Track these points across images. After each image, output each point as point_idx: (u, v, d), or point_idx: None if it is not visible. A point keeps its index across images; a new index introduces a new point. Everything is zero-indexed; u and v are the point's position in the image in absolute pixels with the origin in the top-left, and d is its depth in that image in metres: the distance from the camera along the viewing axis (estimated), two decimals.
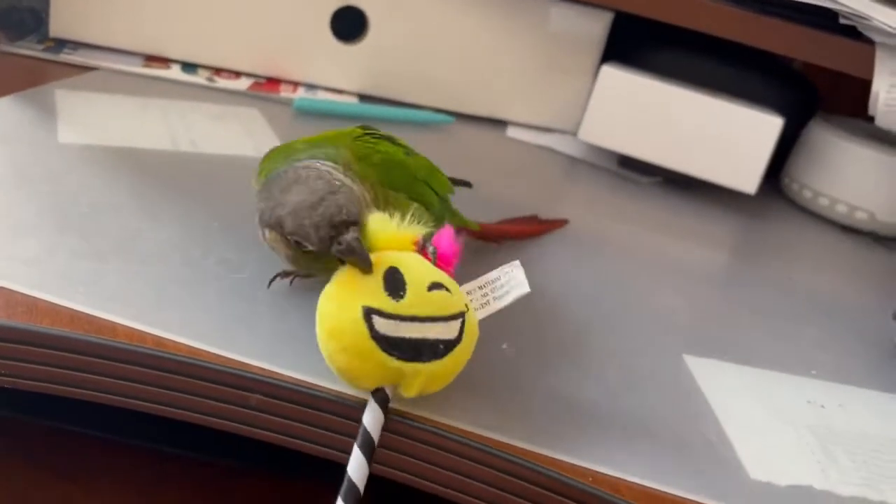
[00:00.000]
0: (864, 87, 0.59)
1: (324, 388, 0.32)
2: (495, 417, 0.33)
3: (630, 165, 0.67)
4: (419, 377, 0.29)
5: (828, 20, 0.60)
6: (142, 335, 0.33)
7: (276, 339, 0.34)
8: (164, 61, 0.65)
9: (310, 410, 0.31)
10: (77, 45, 0.63)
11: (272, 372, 0.32)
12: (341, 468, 0.29)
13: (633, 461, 0.33)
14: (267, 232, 0.34)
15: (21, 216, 0.39)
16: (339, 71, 0.67)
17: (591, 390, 0.37)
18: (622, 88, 0.64)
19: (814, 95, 0.74)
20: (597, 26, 0.68)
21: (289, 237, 0.32)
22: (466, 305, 0.31)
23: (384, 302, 0.29)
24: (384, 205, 0.35)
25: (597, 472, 0.32)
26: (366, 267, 0.30)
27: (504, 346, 0.38)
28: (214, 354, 0.32)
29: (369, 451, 0.29)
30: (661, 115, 0.64)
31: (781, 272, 0.57)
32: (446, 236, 0.33)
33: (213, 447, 0.42)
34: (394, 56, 0.67)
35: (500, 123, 0.70)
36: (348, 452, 0.29)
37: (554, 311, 0.42)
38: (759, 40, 0.62)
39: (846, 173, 0.66)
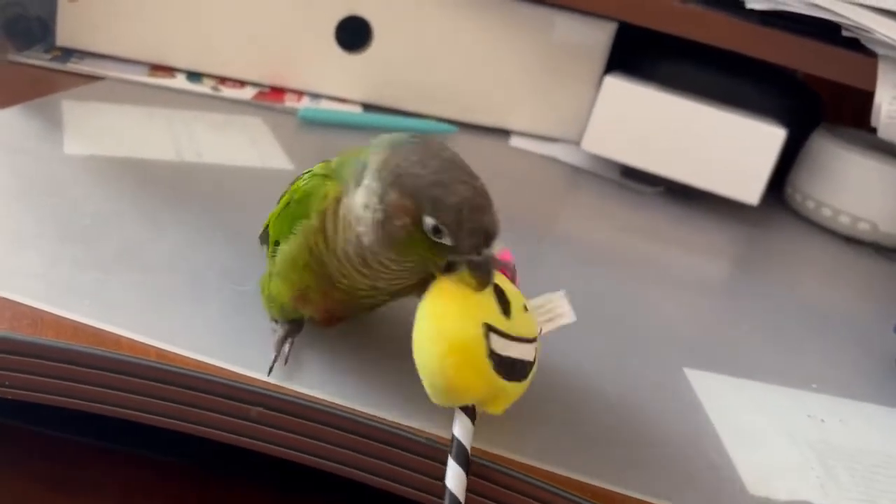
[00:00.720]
0: (867, 98, 0.59)
1: (324, 401, 0.32)
2: (493, 432, 0.33)
3: (633, 175, 0.67)
4: (511, 397, 0.30)
5: (830, 32, 0.60)
6: (145, 347, 0.33)
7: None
8: (170, 70, 0.65)
9: (310, 423, 0.32)
10: (84, 55, 0.64)
11: (273, 385, 0.32)
12: (345, 482, 0.29)
13: (633, 475, 0.33)
14: (394, 195, 0.29)
15: (26, 227, 0.39)
16: (343, 80, 0.67)
17: (591, 403, 0.37)
18: (625, 99, 0.65)
19: (817, 106, 0.74)
20: (600, 36, 0.68)
21: (439, 225, 0.28)
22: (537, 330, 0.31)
23: (500, 320, 0.29)
24: None
25: (595, 486, 0.32)
26: (488, 285, 0.29)
27: None
28: (216, 367, 0.33)
29: (465, 461, 0.29)
30: (664, 125, 0.64)
31: (783, 283, 0.57)
32: (509, 255, 0.33)
33: (214, 458, 0.42)
34: (398, 65, 0.67)
35: (504, 133, 0.71)
36: (348, 465, 0.30)
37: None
38: (762, 52, 0.62)
39: (849, 184, 0.66)
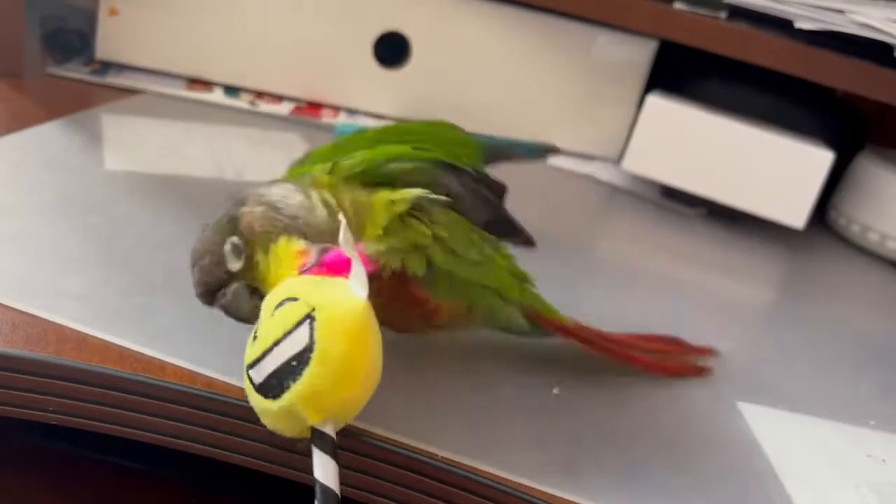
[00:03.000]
0: None
1: (378, 435, 0.31)
2: (541, 466, 0.32)
3: (673, 196, 0.65)
4: (298, 404, 0.26)
5: (881, 53, 0.59)
6: (192, 375, 0.32)
7: None
8: (207, 84, 0.65)
9: (361, 458, 0.31)
10: (122, 68, 0.64)
11: None
12: None
13: None
14: None
15: (70, 249, 0.39)
16: (380, 96, 0.67)
17: (644, 439, 0.36)
18: (667, 118, 0.63)
19: (862, 127, 0.72)
20: (642, 54, 0.67)
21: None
22: (310, 304, 0.26)
23: (249, 352, 0.27)
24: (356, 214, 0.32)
25: None
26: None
27: (555, 390, 0.37)
28: None
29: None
30: (707, 145, 0.63)
31: (831, 312, 0.56)
32: (339, 252, 0.28)
33: (251, 485, 0.41)
34: (436, 82, 0.67)
35: None
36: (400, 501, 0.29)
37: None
38: (811, 73, 0.61)
39: (895, 208, 0.65)
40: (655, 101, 0.63)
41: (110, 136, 0.52)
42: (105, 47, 0.63)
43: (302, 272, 0.28)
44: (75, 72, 0.62)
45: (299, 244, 0.30)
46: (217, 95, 0.64)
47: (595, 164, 0.69)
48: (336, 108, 0.67)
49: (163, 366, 0.32)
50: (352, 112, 0.67)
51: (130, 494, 0.37)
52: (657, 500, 0.32)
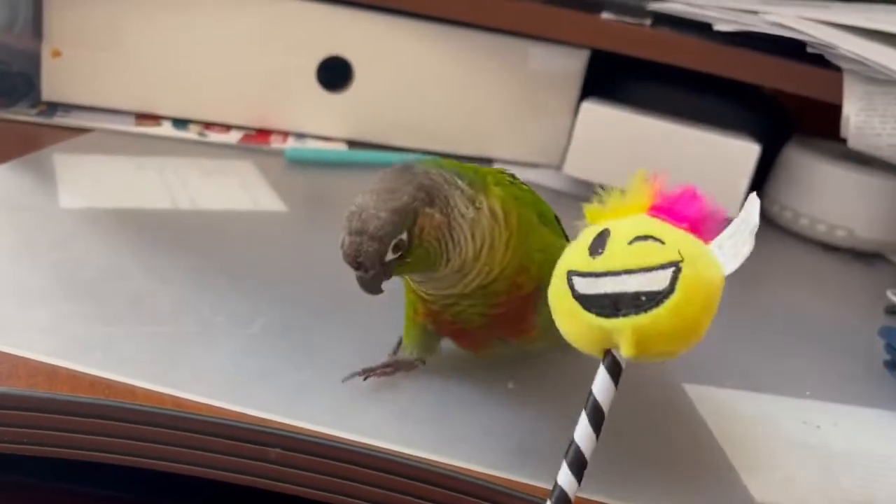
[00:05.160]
0: (836, 110, 0.61)
1: (344, 439, 0.33)
2: (498, 454, 0.34)
3: None
4: (625, 333, 0.27)
5: (796, 50, 0.63)
6: (160, 396, 0.33)
7: (292, 391, 0.35)
8: (156, 118, 0.66)
9: (330, 461, 0.32)
10: (70, 108, 0.64)
11: (290, 425, 0.33)
12: None
13: (638, 492, 0.34)
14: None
15: (31, 284, 0.40)
16: (327, 119, 0.69)
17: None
18: (603, 122, 0.66)
19: (787, 120, 0.76)
20: (574, 64, 0.70)
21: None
22: (681, 254, 0.28)
23: (582, 263, 0.29)
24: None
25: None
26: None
27: (510, 384, 0.39)
28: (232, 411, 0.33)
29: (596, 420, 0.28)
30: (642, 146, 0.66)
31: (768, 293, 0.59)
32: (689, 198, 0.31)
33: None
34: (380, 102, 0.69)
35: (486, 162, 0.72)
36: (371, 501, 0.30)
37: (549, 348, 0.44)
38: (732, 71, 0.64)
39: (824, 193, 0.68)
40: (590, 108, 0.66)
41: (63, 174, 0.53)
42: (50, 89, 0.64)
43: (655, 210, 0.30)
44: (22, 114, 0.62)
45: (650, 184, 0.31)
46: (166, 129, 0.65)
47: (538, 171, 0.72)
48: (285, 134, 0.69)
49: (132, 390, 0.34)
50: (300, 136, 0.69)
51: None
52: (611, 479, 0.34)
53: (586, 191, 0.66)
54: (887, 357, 0.48)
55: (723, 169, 0.64)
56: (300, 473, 0.33)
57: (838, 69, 0.61)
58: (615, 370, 0.28)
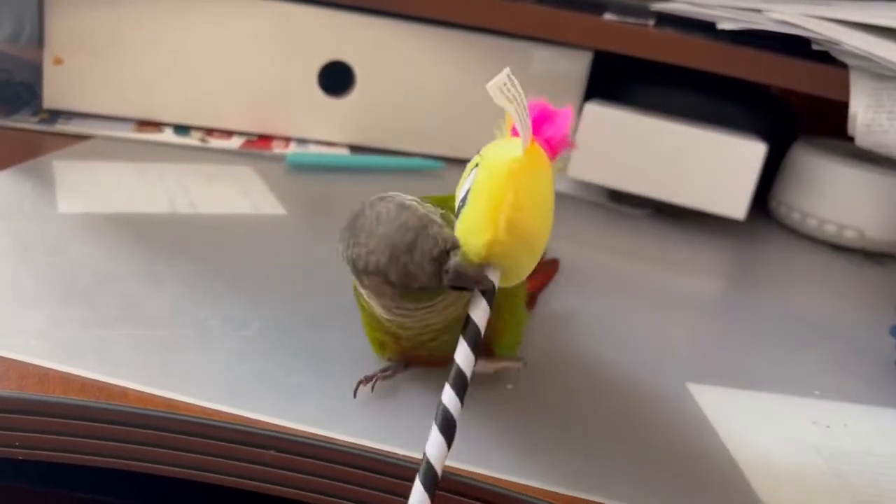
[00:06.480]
0: (843, 108, 0.61)
1: (339, 440, 0.32)
2: (495, 456, 0.33)
3: (619, 199, 0.68)
4: (459, 238, 0.30)
5: (801, 47, 0.62)
6: (153, 399, 0.33)
7: (287, 393, 0.35)
8: (157, 125, 0.66)
9: (325, 464, 0.32)
10: (71, 115, 0.64)
11: (284, 427, 0.32)
12: None
13: (643, 493, 0.33)
14: (365, 279, 0.30)
15: (27, 289, 0.40)
16: (328, 124, 0.68)
17: (597, 425, 0.37)
18: (607, 124, 0.66)
19: (794, 119, 0.76)
20: (577, 66, 0.69)
21: (393, 286, 0.30)
22: (481, 155, 0.31)
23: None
24: None
25: None
26: (483, 285, 0.30)
27: (509, 386, 0.38)
28: (226, 413, 0.33)
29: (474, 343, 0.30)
30: (647, 147, 0.65)
31: (777, 295, 0.58)
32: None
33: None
34: (381, 107, 0.68)
35: None
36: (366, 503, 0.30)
37: (553, 349, 0.43)
38: (737, 70, 0.64)
39: (832, 193, 0.67)
40: (594, 109, 0.66)
41: (62, 180, 0.53)
42: (52, 96, 0.64)
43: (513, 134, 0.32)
44: (24, 122, 0.62)
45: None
46: (167, 135, 0.65)
47: None
48: (286, 139, 0.68)
49: (124, 392, 0.33)
50: (302, 142, 0.68)
51: None
52: (616, 480, 0.33)
53: (590, 193, 0.66)
54: None
55: (729, 169, 0.64)
56: (295, 476, 0.32)
57: (844, 66, 0.60)
58: (485, 294, 0.30)
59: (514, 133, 0.32)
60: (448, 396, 0.29)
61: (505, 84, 0.30)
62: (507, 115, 0.32)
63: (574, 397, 0.39)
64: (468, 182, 0.31)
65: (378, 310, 0.32)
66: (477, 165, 0.31)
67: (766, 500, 0.34)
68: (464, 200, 0.30)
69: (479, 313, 0.30)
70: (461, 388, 0.29)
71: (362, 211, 0.30)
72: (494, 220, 0.29)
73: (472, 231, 0.30)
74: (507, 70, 0.30)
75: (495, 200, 0.29)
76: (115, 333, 0.37)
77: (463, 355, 0.29)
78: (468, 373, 0.29)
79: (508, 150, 0.31)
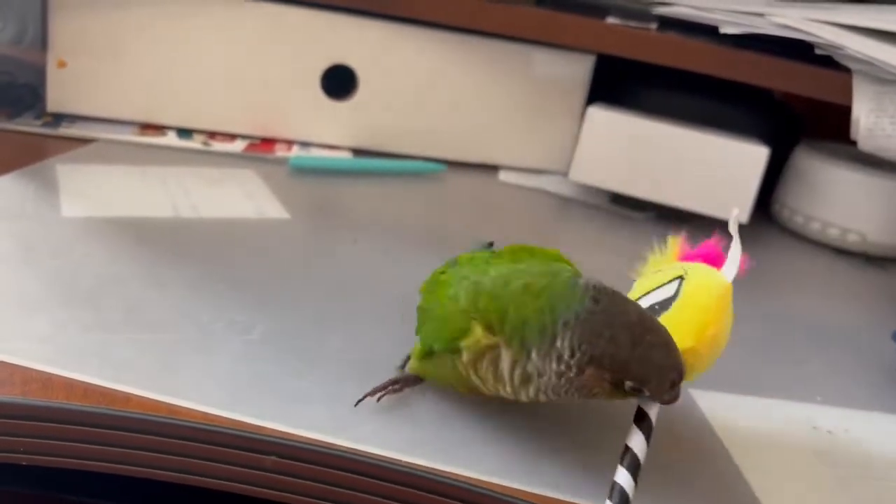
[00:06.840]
0: (845, 112, 0.60)
1: (341, 446, 0.32)
2: (498, 462, 0.33)
3: (622, 202, 0.68)
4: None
5: (804, 51, 0.62)
6: (155, 404, 0.33)
7: (289, 398, 0.35)
8: (160, 128, 0.66)
9: (327, 470, 0.32)
10: (74, 119, 0.65)
11: (286, 433, 0.32)
12: None
13: (644, 496, 0.33)
14: (592, 370, 0.30)
15: (30, 292, 0.40)
16: (331, 128, 0.68)
17: (599, 430, 0.37)
18: (609, 128, 0.66)
19: (797, 123, 0.76)
20: (580, 69, 0.70)
21: (639, 387, 0.31)
22: (684, 270, 0.35)
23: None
24: None
25: None
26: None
27: None
28: (228, 419, 0.33)
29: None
30: (649, 151, 0.65)
31: (779, 298, 0.58)
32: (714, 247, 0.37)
33: None
34: (384, 110, 0.68)
35: (492, 168, 0.72)
36: None
37: None
38: (739, 74, 0.64)
39: (835, 197, 0.67)
40: (596, 113, 0.66)
41: (66, 184, 0.53)
42: (55, 99, 0.64)
43: (682, 258, 0.37)
44: (27, 125, 0.63)
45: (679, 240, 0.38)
46: (170, 139, 0.65)
47: (544, 178, 0.71)
48: (289, 143, 0.68)
49: (127, 397, 0.33)
50: (305, 145, 0.69)
51: None
52: (609, 481, 0.33)
53: (593, 197, 0.66)
54: None
55: (731, 173, 0.64)
56: (297, 482, 0.32)
57: (847, 70, 0.60)
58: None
59: (687, 256, 0.37)
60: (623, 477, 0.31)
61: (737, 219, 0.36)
62: (671, 240, 0.39)
63: (575, 405, 0.39)
64: (666, 290, 0.34)
65: (520, 392, 0.32)
66: (681, 278, 0.34)
67: None
68: (662, 306, 0.34)
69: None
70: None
71: (617, 316, 0.31)
72: (702, 333, 0.33)
73: (685, 336, 0.32)
74: (736, 210, 0.37)
75: (708, 316, 0.33)
76: (118, 337, 0.37)
77: (637, 443, 0.31)
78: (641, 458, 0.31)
79: (716, 275, 0.35)
